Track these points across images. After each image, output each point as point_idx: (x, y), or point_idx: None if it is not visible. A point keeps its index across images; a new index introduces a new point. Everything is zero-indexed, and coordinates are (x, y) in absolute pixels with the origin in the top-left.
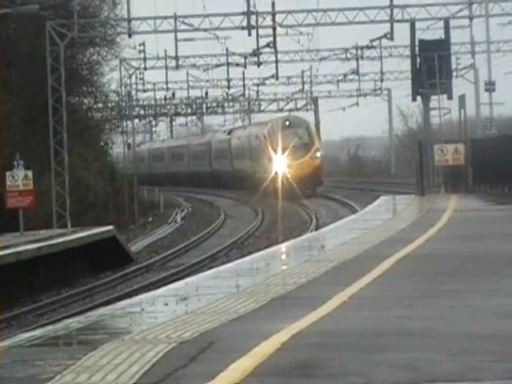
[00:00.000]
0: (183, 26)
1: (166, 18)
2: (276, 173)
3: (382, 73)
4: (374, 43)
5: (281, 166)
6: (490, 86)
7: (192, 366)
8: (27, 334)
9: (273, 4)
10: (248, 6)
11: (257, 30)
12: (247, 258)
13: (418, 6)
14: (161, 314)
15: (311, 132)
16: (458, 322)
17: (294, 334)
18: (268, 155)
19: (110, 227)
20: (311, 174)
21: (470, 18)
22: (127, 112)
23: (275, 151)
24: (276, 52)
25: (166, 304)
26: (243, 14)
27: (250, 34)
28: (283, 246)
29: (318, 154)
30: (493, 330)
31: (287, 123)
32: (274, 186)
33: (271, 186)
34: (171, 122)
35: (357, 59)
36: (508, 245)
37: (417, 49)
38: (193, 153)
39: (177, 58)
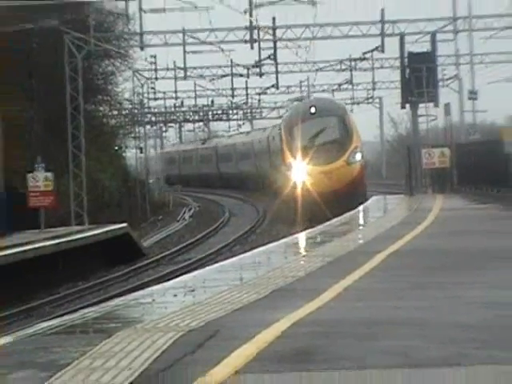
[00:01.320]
0: (191, 40)
1: (175, 32)
2: (294, 185)
3: (373, 82)
4: (367, 55)
5: (301, 175)
6: (473, 95)
7: (199, 352)
8: (46, 324)
9: (273, 19)
10: (250, 21)
11: (259, 43)
12: (250, 253)
13: (406, 20)
14: (170, 304)
15: (348, 123)
16: (446, 312)
17: (293, 323)
18: (284, 159)
19: (124, 224)
20: (347, 186)
21: (455, 33)
22: (139, 119)
23: (292, 154)
24: (276, 63)
25: (175, 295)
26: (246, 28)
27: (252, 48)
28: (282, 242)
29: (358, 157)
30: (477, 320)
31: (312, 110)
32: (294, 204)
33: (289, 204)
34: (180, 127)
35: (350, 70)
36: (490, 241)
37: (406, 60)
38: (256, 151)
39: (185, 68)
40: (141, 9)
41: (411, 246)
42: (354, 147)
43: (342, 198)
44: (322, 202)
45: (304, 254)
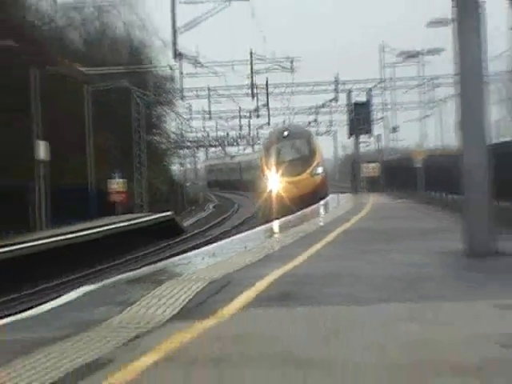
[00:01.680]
0: (213, 93)
1: (202, 88)
2: (270, 192)
3: (331, 121)
4: (327, 104)
5: (274, 184)
6: (395, 129)
7: (218, 295)
8: (119, 276)
9: (266, 80)
10: (252, 81)
11: (257, 95)
12: (249, 232)
13: (352, 80)
14: (200, 264)
15: (312, 144)
16: (379, 269)
17: (278, 276)
18: (263, 172)
19: (170, 212)
20: (311, 193)
21: (383, 89)
22: (180, 145)
23: (269, 167)
24: (268, 109)
25: (203, 258)
26: (248, 86)
27: (253, 99)
28: (269, 225)
29: (320, 170)
30: (400, 274)
31: (285, 134)
32: (269, 209)
33: (265, 208)
34: (207, 150)
35: (316, 113)
36: (408, 223)
37: (352, 107)
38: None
39: (210, 112)
40: (181, 73)
41: (355, 226)
42: (316, 163)
43: (307, 200)
44: (291, 204)
45: (283, 232)
